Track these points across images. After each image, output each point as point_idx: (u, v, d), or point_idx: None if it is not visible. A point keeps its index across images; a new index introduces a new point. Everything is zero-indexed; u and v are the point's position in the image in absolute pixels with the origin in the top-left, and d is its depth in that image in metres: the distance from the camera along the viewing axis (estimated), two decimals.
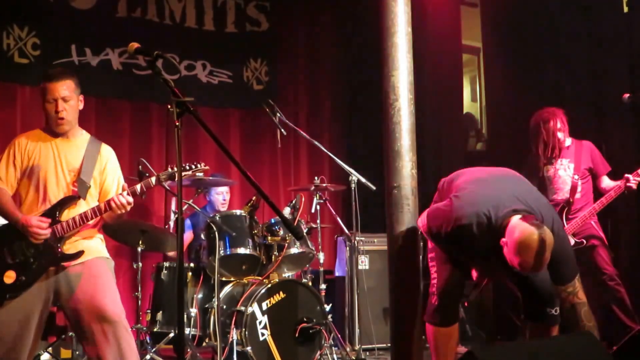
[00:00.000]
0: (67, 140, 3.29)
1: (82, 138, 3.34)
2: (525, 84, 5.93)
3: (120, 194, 3.17)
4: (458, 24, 6.64)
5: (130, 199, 3.15)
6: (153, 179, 3.19)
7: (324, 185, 4.91)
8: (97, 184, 3.30)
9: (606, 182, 4.53)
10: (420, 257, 4.52)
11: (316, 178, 4.94)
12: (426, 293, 3.50)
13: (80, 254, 3.16)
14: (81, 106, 3.32)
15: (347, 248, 5.15)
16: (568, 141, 4.60)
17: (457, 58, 6.71)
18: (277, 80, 6.50)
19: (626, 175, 4.29)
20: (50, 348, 4.46)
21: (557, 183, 4.55)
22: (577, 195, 4.49)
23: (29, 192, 3.22)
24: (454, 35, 6.62)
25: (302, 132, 5.06)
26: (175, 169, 3.15)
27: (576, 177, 4.50)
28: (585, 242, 4.43)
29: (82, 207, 3.20)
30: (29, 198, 3.22)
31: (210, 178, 5.04)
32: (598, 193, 4.56)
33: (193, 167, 3.33)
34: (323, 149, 4.91)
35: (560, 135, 4.53)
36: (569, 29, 5.64)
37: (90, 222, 3.22)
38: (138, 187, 3.18)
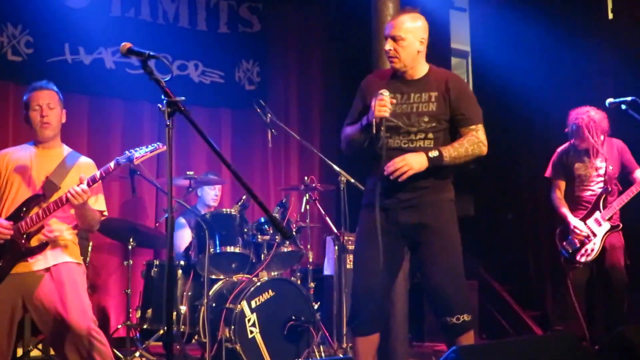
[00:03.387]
0: (46, 150, 3.33)
1: (61, 150, 3.38)
2: (514, 88, 5.97)
3: (78, 185, 3.11)
4: (447, 28, 6.68)
5: (85, 187, 3.08)
6: (112, 163, 3.16)
7: (314, 185, 4.93)
8: None
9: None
10: (408, 256, 4.56)
11: (306, 178, 4.97)
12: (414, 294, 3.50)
13: (44, 245, 3.15)
14: (64, 119, 3.36)
15: (336, 247, 5.17)
16: (601, 138, 4.59)
17: (446, 61, 6.74)
18: (268, 80, 6.52)
19: None
20: (39, 344, 4.46)
21: (587, 181, 4.57)
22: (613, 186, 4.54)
23: (8, 199, 3.25)
24: (443, 38, 6.65)
25: (292, 132, 5.08)
26: (133, 151, 3.18)
27: (611, 167, 4.53)
28: (620, 225, 4.48)
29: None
30: (7, 205, 3.25)
31: (202, 177, 5.07)
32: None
33: (152, 146, 3.25)
34: (313, 149, 4.94)
35: (598, 139, 4.54)
36: (556, 33, 5.68)
37: (64, 215, 3.20)
38: (98, 173, 3.16)
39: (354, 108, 3.31)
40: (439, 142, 3.16)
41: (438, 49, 6.55)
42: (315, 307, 4.49)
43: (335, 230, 5.02)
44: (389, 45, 3.17)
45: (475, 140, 3.19)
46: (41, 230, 3.17)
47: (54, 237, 3.20)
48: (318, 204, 5.10)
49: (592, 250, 4.48)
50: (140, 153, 3.21)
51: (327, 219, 5.01)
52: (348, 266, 5.15)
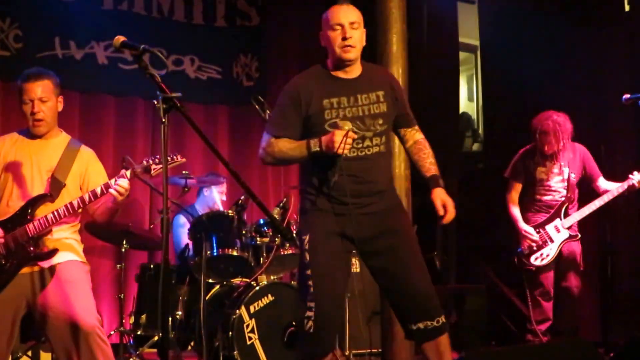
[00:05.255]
0: (45, 141, 3.31)
1: (60, 138, 3.36)
2: (524, 83, 5.94)
3: (116, 179, 3.13)
4: (455, 21, 6.66)
5: (128, 183, 3.12)
6: (128, 172, 3.17)
7: None
8: (78, 185, 3.31)
9: (606, 183, 4.65)
10: None
11: None
12: None
13: (54, 252, 3.15)
14: (60, 107, 3.33)
15: None
16: (561, 144, 4.68)
17: (454, 56, 6.72)
18: (267, 76, 6.51)
19: (630, 175, 4.48)
20: (29, 351, 4.45)
21: (549, 186, 4.67)
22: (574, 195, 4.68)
23: (5, 193, 3.24)
24: (450, 32, 6.63)
25: None
26: (151, 161, 3.16)
27: (573, 175, 4.65)
28: (579, 235, 4.62)
29: (57, 205, 3.20)
30: (5, 199, 3.24)
31: (209, 177, 5.08)
32: (587, 197, 4.67)
33: (169, 158, 3.27)
34: None
35: (553, 147, 4.62)
36: (568, 26, 5.65)
37: (69, 217, 3.20)
38: (112, 181, 3.16)
39: (286, 118, 3.04)
40: (388, 145, 3.12)
41: (445, 43, 6.54)
42: None
43: None
44: (350, 32, 2.99)
45: (428, 144, 3.21)
46: (48, 234, 3.17)
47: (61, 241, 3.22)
48: None
49: (548, 255, 4.60)
50: (158, 165, 3.16)
51: None
52: (353, 269, 5.14)
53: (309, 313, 2.94)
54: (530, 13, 5.96)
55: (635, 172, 4.47)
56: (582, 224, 4.70)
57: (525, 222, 4.69)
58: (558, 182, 4.65)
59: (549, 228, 4.63)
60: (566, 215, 4.62)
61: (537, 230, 4.65)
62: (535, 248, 4.61)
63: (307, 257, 3.00)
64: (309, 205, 3.07)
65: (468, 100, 7.80)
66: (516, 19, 6.06)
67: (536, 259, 4.62)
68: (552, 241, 4.61)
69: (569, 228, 4.61)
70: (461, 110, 7.15)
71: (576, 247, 4.66)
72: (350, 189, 2.97)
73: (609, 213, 4.82)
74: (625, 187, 4.47)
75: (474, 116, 7.60)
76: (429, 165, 3.14)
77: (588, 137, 5.14)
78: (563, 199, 4.63)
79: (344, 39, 2.98)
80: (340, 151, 2.85)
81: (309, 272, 2.98)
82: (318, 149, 2.91)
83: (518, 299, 5.93)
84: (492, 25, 6.38)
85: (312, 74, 3.11)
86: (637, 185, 4.45)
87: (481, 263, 6.11)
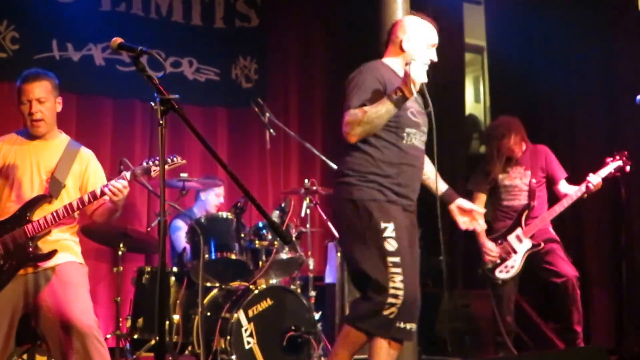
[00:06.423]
0: (44, 142, 3.34)
1: (60, 139, 3.39)
2: (531, 84, 5.88)
3: (115, 179, 3.17)
4: (461, 22, 6.65)
5: (126, 183, 3.16)
6: (128, 174, 3.20)
7: (315, 188, 4.94)
8: (78, 186, 3.33)
9: (566, 187, 4.65)
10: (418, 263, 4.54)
11: (306, 181, 4.98)
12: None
13: (53, 253, 3.18)
14: (59, 108, 3.36)
15: (338, 254, 5.18)
16: (523, 147, 4.72)
17: (459, 57, 6.71)
18: (267, 78, 6.53)
19: (587, 177, 4.45)
20: (25, 354, 4.46)
21: (513, 191, 4.70)
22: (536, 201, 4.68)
23: (4, 194, 3.27)
24: (456, 33, 6.61)
25: (292, 132, 5.10)
26: (151, 163, 3.19)
27: (534, 180, 4.66)
28: (542, 244, 4.58)
29: (56, 206, 3.22)
30: (4, 199, 3.27)
31: (205, 179, 5.09)
32: (555, 199, 4.68)
33: (169, 160, 3.32)
34: (314, 150, 4.95)
35: (516, 148, 4.67)
36: (578, 26, 5.59)
37: (68, 218, 3.23)
38: (113, 181, 3.20)
39: (370, 90, 3.14)
40: None
41: (451, 45, 6.50)
42: (316, 316, 4.49)
43: (337, 236, 5.03)
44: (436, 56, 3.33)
45: None
46: (47, 234, 3.20)
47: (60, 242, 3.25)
48: (319, 208, 5.10)
49: (513, 267, 4.57)
50: (158, 167, 3.18)
51: (329, 223, 5.01)
52: None
53: (391, 300, 3.00)
54: (537, 13, 5.92)
55: (591, 175, 4.41)
56: (596, 227, 4.63)
57: (492, 232, 4.67)
58: (521, 185, 4.66)
59: (511, 238, 4.59)
60: (527, 222, 4.58)
61: (500, 241, 4.62)
62: (498, 261, 4.59)
63: (391, 244, 3.05)
64: (377, 194, 3.11)
65: (475, 102, 7.79)
66: (523, 19, 6.00)
67: (501, 271, 4.59)
68: (515, 252, 4.57)
69: (531, 237, 4.56)
70: (467, 112, 7.15)
71: (558, 254, 4.59)
72: (411, 184, 3.19)
73: (624, 216, 4.76)
74: (584, 189, 4.43)
75: (481, 118, 7.59)
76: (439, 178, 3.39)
77: (600, 139, 5.12)
78: (524, 202, 4.62)
79: (432, 61, 3.32)
80: (417, 78, 3.00)
81: (395, 259, 3.03)
82: (400, 93, 3.02)
83: (528, 305, 5.91)
84: (499, 25, 6.33)
85: (382, 66, 3.28)
86: (592, 188, 4.40)
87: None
